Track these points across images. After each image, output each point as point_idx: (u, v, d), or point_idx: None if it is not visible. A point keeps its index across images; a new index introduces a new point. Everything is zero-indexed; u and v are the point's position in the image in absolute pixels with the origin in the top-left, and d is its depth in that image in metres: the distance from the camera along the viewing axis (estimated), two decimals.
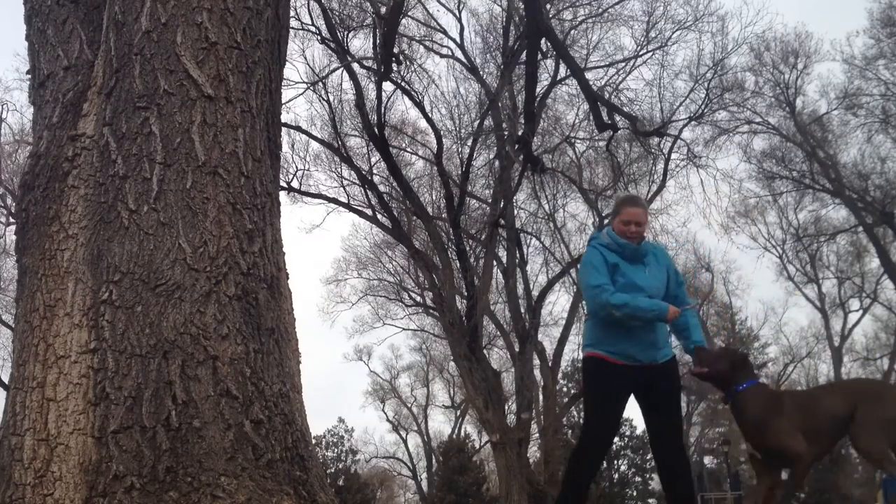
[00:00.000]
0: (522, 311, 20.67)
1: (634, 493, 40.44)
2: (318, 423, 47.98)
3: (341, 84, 19.00)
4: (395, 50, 14.21)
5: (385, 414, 42.80)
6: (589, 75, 15.78)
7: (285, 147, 17.70)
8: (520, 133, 15.01)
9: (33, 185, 3.91)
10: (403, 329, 30.32)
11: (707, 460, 40.37)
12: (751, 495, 3.85)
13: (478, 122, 18.55)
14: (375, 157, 18.68)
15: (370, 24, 15.72)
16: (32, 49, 4.32)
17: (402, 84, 17.54)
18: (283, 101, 5.82)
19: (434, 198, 21.03)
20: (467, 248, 18.57)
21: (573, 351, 29.88)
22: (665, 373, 4.02)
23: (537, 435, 27.35)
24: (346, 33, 17.03)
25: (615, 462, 40.07)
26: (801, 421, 3.66)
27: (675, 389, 4.00)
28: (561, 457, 20.18)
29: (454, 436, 41.30)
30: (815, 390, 4.14)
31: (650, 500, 39.54)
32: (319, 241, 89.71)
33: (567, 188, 21.35)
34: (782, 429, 3.64)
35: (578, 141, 20.30)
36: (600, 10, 18.07)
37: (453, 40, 19.38)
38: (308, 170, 20.15)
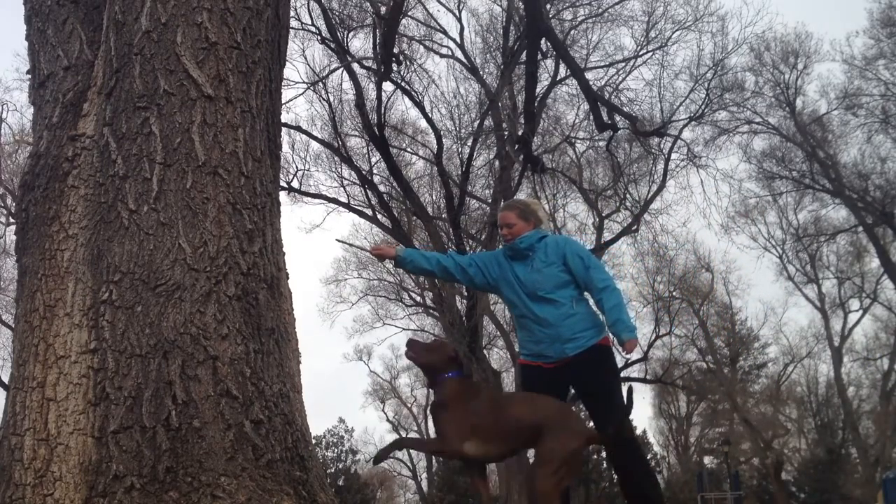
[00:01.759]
0: None
1: None
2: (318, 423, 47.91)
3: (341, 84, 18.97)
4: (395, 50, 14.20)
5: (385, 414, 42.81)
6: (589, 75, 15.80)
7: (285, 147, 17.70)
8: (520, 133, 15.00)
9: (33, 185, 3.91)
10: (403, 329, 30.25)
11: (707, 460, 40.35)
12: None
13: (478, 122, 18.55)
14: (375, 157, 18.69)
15: (370, 24, 15.70)
16: (32, 49, 4.32)
17: (402, 84, 17.54)
18: (283, 101, 5.82)
19: (434, 198, 21.04)
20: (467, 248, 18.54)
21: None
22: (583, 364, 3.94)
23: None
24: (346, 33, 17.03)
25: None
26: (477, 422, 3.61)
27: (598, 379, 3.91)
28: None
29: None
30: (508, 398, 4.03)
31: None
32: (319, 241, 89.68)
33: (567, 188, 21.36)
34: (449, 420, 3.61)
35: (578, 141, 20.32)
36: (600, 10, 18.08)
37: (453, 40, 19.38)
38: (308, 170, 20.17)
